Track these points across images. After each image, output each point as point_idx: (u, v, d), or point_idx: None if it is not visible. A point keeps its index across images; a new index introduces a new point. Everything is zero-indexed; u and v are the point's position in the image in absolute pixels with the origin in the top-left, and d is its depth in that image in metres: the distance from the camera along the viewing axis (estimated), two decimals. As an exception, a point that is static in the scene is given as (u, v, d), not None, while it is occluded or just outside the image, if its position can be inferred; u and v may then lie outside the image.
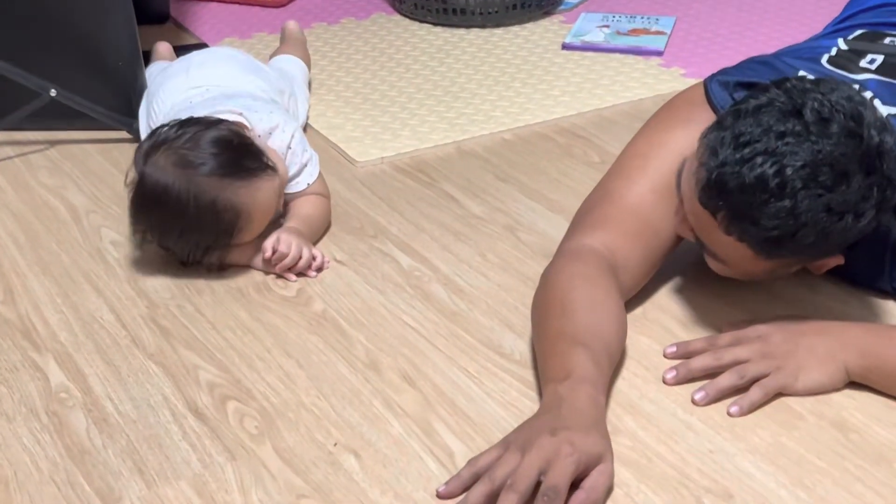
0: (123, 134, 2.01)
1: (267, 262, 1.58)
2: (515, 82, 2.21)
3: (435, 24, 2.51)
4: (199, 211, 1.52)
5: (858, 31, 1.59)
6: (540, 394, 1.28)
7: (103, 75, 1.99)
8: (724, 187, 1.24)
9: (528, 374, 1.36)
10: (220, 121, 1.61)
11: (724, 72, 1.49)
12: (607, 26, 2.44)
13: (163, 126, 1.59)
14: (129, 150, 1.94)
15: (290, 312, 1.51)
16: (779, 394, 1.29)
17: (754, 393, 1.28)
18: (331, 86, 2.22)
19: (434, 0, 2.49)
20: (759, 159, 1.22)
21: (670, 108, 1.50)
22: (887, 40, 1.54)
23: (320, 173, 1.73)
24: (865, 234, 1.27)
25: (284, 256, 1.56)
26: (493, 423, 1.28)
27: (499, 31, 2.47)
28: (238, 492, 1.20)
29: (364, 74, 2.27)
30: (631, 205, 1.42)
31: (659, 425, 1.27)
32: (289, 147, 1.68)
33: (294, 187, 1.69)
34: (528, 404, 1.30)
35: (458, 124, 2.03)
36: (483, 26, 2.48)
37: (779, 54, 1.57)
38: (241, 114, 1.67)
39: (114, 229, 1.72)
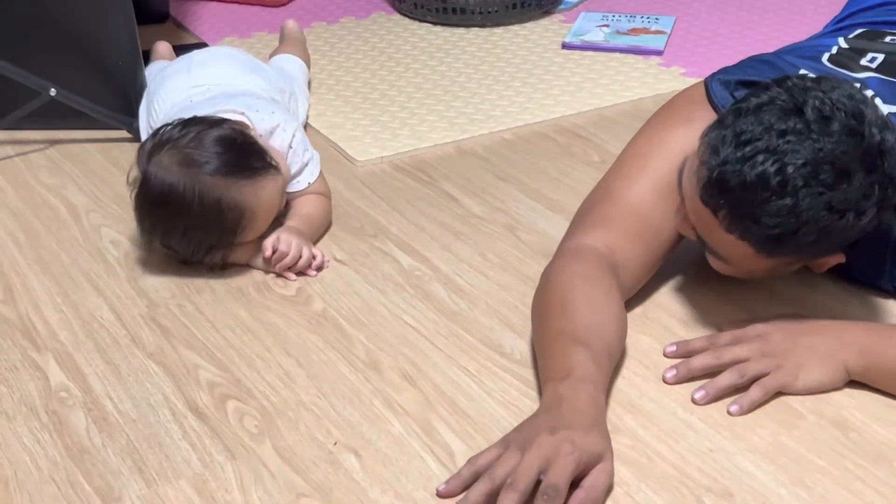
0: (123, 133, 2.01)
1: (267, 261, 1.58)
2: (515, 82, 2.21)
3: (435, 24, 2.51)
4: (204, 210, 1.52)
5: (858, 30, 1.59)
6: (540, 393, 1.28)
7: (103, 75, 1.99)
8: (725, 185, 1.24)
9: (529, 374, 1.36)
10: (224, 120, 1.61)
11: (724, 71, 1.49)
12: (607, 26, 2.44)
13: (165, 125, 1.59)
14: (129, 150, 1.95)
15: (290, 312, 1.51)
16: (779, 393, 1.29)
17: (754, 392, 1.28)
18: (330, 85, 2.22)
19: (434, 0, 2.49)
20: (760, 157, 1.22)
21: (671, 108, 1.50)
22: (888, 39, 1.54)
23: (321, 172, 1.73)
24: (866, 232, 1.27)
25: (284, 255, 1.56)
26: (493, 422, 1.28)
27: (498, 30, 2.47)
28: (238, 491, 1.20)
29: (364, 74, 2.27)
30: (631, 204, 1.42)
31: (659, 424, 1.27)
32: (290, 146, 1.68)
33: (295, 186, 1.69)
34: (528, 403, 1.30)
35: (458, 123, 2.03)
36: (483, 25, 2.48)
37: (780, 53, 1.57)
38: (242, 113, 1.67)
39: (114, 228, 1.72)
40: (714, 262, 1.37)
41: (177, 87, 1.82)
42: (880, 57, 1.49)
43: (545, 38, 2.42)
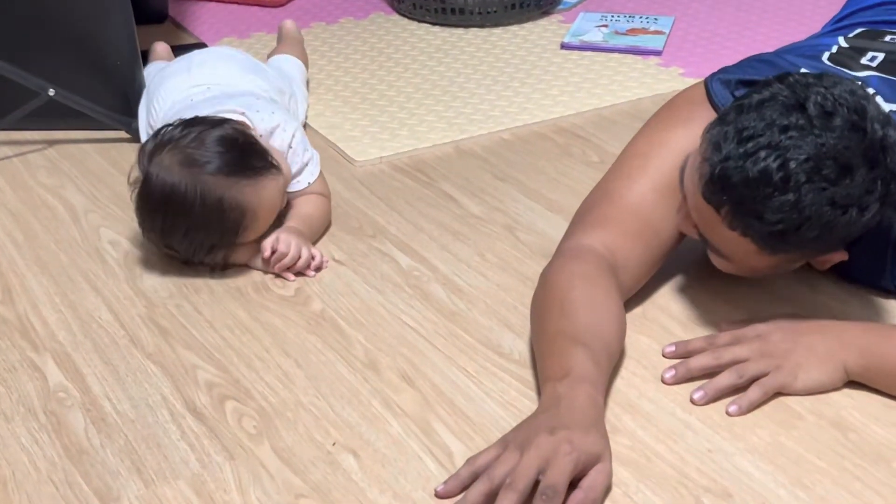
0: (122, 134, 2.01)
1: (266, 261, 1.58)
2: (514, 82, 2.20)
3: (433, 24, 2.51)
4: (206, 209, 1.52)
5: (858, 30, 1.59)
6: (539, 393, 1.28)
7: (102, 75, 1.99)
8: (727, 182, 1.24)
9: (527, 374, 1.36)
10: (225, 120, 1.61)
11: (724, 70, 1.49)
12: (606, 26, 2.43)
13: (166, 126, 1.59)
14: (127, 150, 1.95)
15: (289, 312, 1.51)
16: (778, 393, 1.29)
17: (753, 392, 1.28)
18: (329, 85, 2.22)
19: (432, 0, 2.49)
20: (762, 153, 1.22)
21: (671, 108, 1.50)
22: (887, 38, 1.54)
23: (321, 173, 1.73)
24: (869, 228, 1.26)
25: (283, 256, 1.56)
26: (491, 422, 1.28)
27: (497, 30, 2.47)
28: (236, 491, 1.19)
29: (362, 74, 2.27)
30: (631, 204, 1.42)
31: (658, 425, 1.27)
32: (290, 146, 1.68)
33: (294, 186, 1.69)
34: (527, 404, 1.30)
35: (457, 124, 2.03)
36: (482, 26, 2.48)
37: (780, 52, 1.57)
38: (243, 113, 1.67)
39: (112, 229, 1.72)
40: (716, 261, 1.37)
41: (177, 87, 1.82)
42: (880, 56, 1.49)
43: (544, 39, 2.42)
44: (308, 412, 1.31)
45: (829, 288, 1.49)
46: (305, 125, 2.03)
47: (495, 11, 2.48)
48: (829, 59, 1.50)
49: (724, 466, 1.20)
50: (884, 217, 1.27)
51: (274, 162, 1.59)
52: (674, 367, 1.33)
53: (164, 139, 1.56)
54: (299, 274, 1.59)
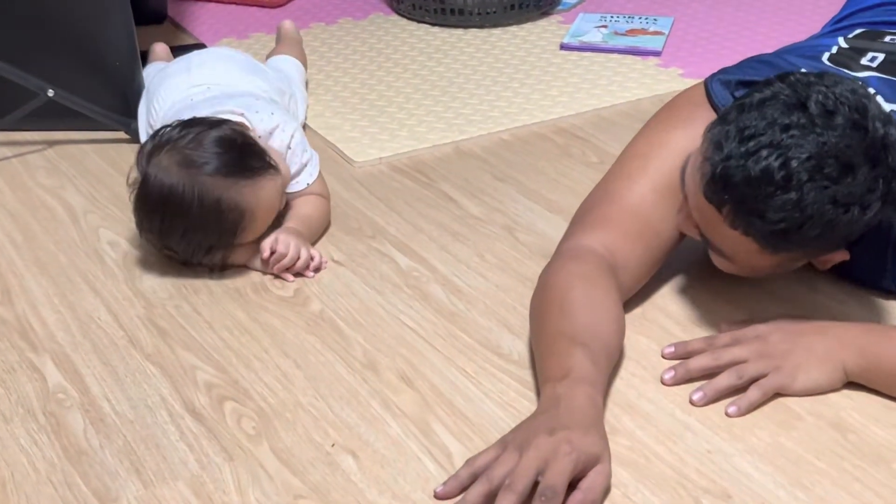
0: (121, 134, 2.01)
1: (265, 262, 1.58)
2: (513, 82, 2.20)
3: (433, 25, 2.51)
4: (204, 210, 1.52)
5: (858, 30, 1.59)
6: (538, 394, 1.28)
7: (101, 75, 1.98)
8: (729, 181, 1.24)
9: (527, 375, 1.36)
10: (224, 121, 1.61)
11: (724, 71, 1.49)
12: (605, 26, 2.43)
13: (165, 127, 1.59)
14: (126, 151, 1.95)
15: (288, 313, 1.51)
16: (777, 394, 1.29)
17: (753, 393, 1.28)
18: (329, 86, 2.22)
19: (432, 0, 2.49)
20: (764, 152, 1.22)
21: (671, 108, 1.50)
22: (887, 38, 1.54)
23: (320, 173, 1.73)
24: (871, 227, 1.26)
25: (283, 257, 1.56)
26: (491, 423, 1.28)
27: (497, 31, 2.47)
28: (235, 492, 1.19)
29: (362, 75, 2.27)
30: (631, 205, 1.42)
31: (657, 425, 1.27)
32: (289, 147, 1.68)
33: (293, 187, 1.69)
34: (527, 404, 1.30)
35: (456, 124, 2.03)
36: (481, 26, 2.48)
37: (779, 53, 1.57)
38: (242, 114, 1.67)
39: (111, 230, 1.72)
40: (717, 261, 1.37)
41: (177, 87, 1.82)
42: (880, 56, 1.49)
43: (543, 39, 2.42)
44: (307, 413, 1.31)
45: (828, 288, 1.49)
46: (305, 126, 2.03)
47: (494, 12, 2.48)
48: (829, 59, 1.50)
49: (723, 467, 1.20)
50: (885, 216, 1.27)
51: (272, 162, 1.59)
52: (673, 367, 1.33)
53: (163, 140, 1.56)
54: (298, 275, 1.59)
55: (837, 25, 1.68)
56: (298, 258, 1.57)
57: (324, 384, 1.36)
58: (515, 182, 1.83)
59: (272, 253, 1.56)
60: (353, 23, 2.57)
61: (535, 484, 1.10)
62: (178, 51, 2.17)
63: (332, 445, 1.26)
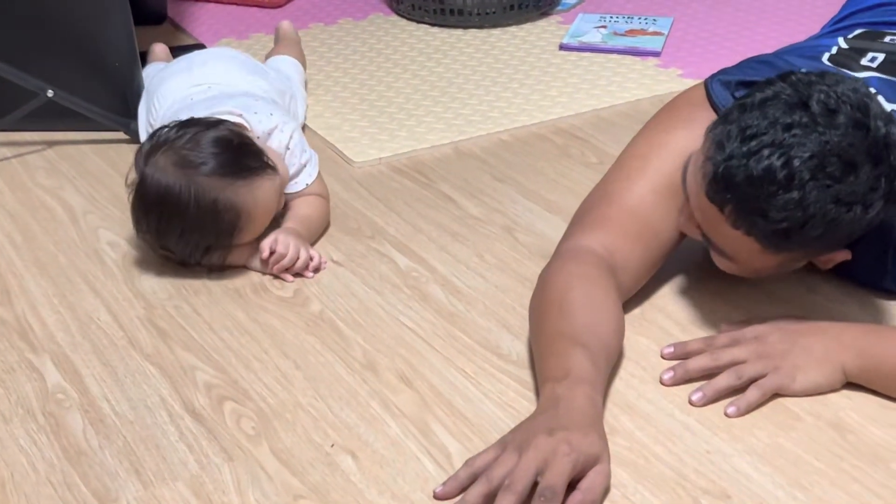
0: (120, 135, 2.01)
1: (264, 262, 1.58)
2: (513, 83, 2.20)
3: (432, 25, 2.51)
4: (200, 211, 1.52)
5: (858, 31, 1.59)
6: (537, 394, 1.28)
7: (101, 76, 1.98)
8: (731, 181, 1.24)
9: (526, 375, 1.36)
10: (221, 121, 1.61)
11: (724, 71, 1.49)
12: (604, 27, 2.43)
13: (163, 127, 1.60)
14: (126, 151, 1.95)
15: (288, 313, 1.51)
16: (776, 394, 1.29)
17: (752, 394, 1.28)
18: (328, 86, 2.22)
19: (431, 1, 2.49)
20: (766, 151, 1.22)
21: (671, 109, 1.50)
22: (887, 39, 1.54)
23: (319, 174, 1.73)
24: (873, 226, 1.26)
25: (282, 257, 1.56)
26: (490, 423, 1.28)
27: (496, 31, 2.47)
28: (235, 493, 1.19)
29: (361, 75, 2.27)
30: (631, 206, 1.42)
31: (656, 426, 1.27)
32: (287, 147, 1.68)
33: (293, 187, 1.69)
34: (526, 405, 1.30)
35: (456, 125, 2.03)
36: (480, 27, 2.48)
37: (779, 53, 1.57)
38: (240, 115, 1.67)
39: (111, 230, 1.72)
40: (719, 261, 1.37)
41: (178, 86, 1.83)
42: (881, 56, 1.49)
43: (543, 40, 2.42)
44: (307, 413, 1.31)
45: (827, 289, 1.50)
46: (304, 126, 2.03)
47: (494, 12, 2.48)
48: (829, 59, 1.50)
49: (722, 468, 1.20)
50: (887, 215, 1.27)
51: (270, 162, 1.59)
52: (672, 368, 1.33)
53: (160, 140, 1.56)
54: (298, 275, 1.59)
55: (837, 26, 1.68)
56: (298, 258, 1.57)
57: (323, 385, 1.36)
58: (515, 182, 1.83)
59: (271, 253, 1.56)
60: (353, 23, 2.57)
61: (535, 484, 1.10)
62: (177, 51, 2.18)
63: (332, 446, 1.26)
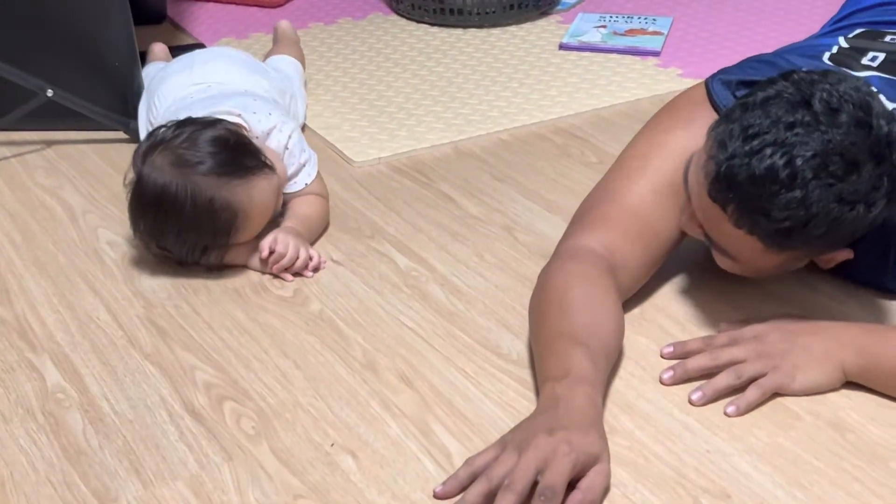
0: (120, 134, 2.01)
1: (264, 261, 1.58)
2: (512, 82, 2.20)
3: (432, 25, 2.51)
4: (197, 210, 1.52)
5: (858, 30, 1.59)
6: (537, 393, 1.28)
7: (100, 75, 1.98)
8: (733, 180, 1.24)
9: (526, 375, 1.36)
10: (218, 120, 1.61)
11: (725, 71, 1.49)
12: (604, 26, 2.44)
13: (160, 127, 1.60)
14: (125, 151, 1.95)
15: (287, 313, 1.51)
16: (775, 394, 1.29)
17: (751, 393, 1.28)
18: (328, 86, 2.22)
19: (431, 0, 2.49)
20: (768, 150, 1.22)
21: (671, 109, 1.50)
22: (888, 38, 1.54)
23: (318, 173, 1.73)
24: (876, 225, 1.26)
25: (282, 256, 1.56)
26: (490, 423, 1.28)
27: (496, 31, 2.47)
28: (235, 492, 1.19)
29: (361, 74, 2.27)
30: (631, 205, 1.42)
31: (656, 425, 1.27)
32: (286, 147, 1.68)
33: (292, 187, 1.69)
34: (526, 404, 1.30)
35: (456, 124, 2.03)
36: (480, 26, 2.48)
37: (780, 53, 1.56)
38: (239, 115, 1.67)
39: (110, 230, 1.72)
40: (721, 261, 1.37)
41: (179, 84, 1.83)
42: (881, 56, 1.49)
43: (542, 39, 2.42)
44: (306, 413, 1.31)
45: (827, 289, 1.50)
46: (304, 126, 2.03)
47: (494, 12, 2.48)
48: (829, 59, 1.50)
49: (722, 467, 1.20)
50: (890, 214, 1.26)
51: (267, 162, 1.59)
52: (672, 367, 1.33)
53: (157, 140, 1.56)
54: (297, 274, 1.59)
55: (837, 25, 1.68)
56: (297, 258, 1.57)
57: (323, 384, 1.36)
58: (514, 182, 1.83)
59: (271, 252, 1.56)
60: (353, 23, 2.57)
61: (535, 484, 1.10)
62: (176, 51, 2.18)
63: (332, 445, 1.26)
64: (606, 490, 1.16)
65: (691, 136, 1.38)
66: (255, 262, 1.60)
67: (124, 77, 1.99)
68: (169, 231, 1.55)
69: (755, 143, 1.23)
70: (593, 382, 1.22)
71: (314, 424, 1.29)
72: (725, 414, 1.27)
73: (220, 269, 1.60)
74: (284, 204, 1.68)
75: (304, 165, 1.70)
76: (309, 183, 1.70)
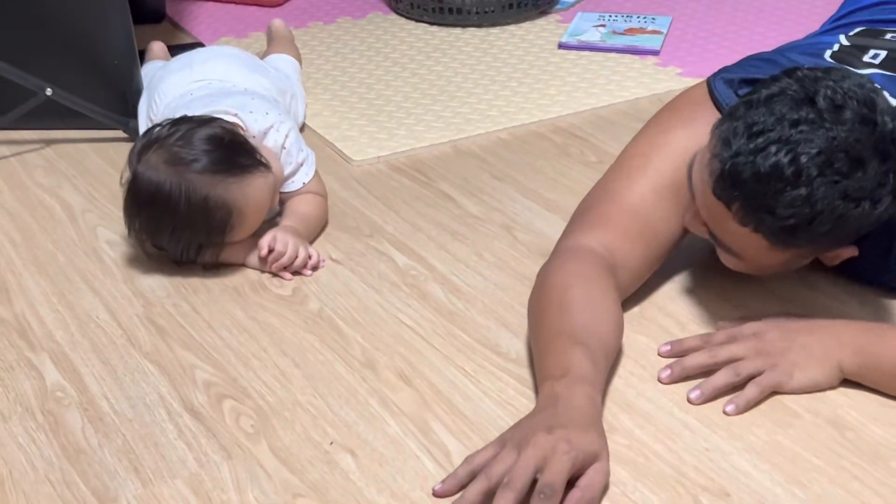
0: (119, 133, 2.01)
1: (263, 260, 1.58)
2: (512, 81, 2.20)
3: (431, 24, 2.51)
4: (191, 208, 1.52)
5: (858, 28, 1.59)
6: (536, 392, 1.28)
7: (99, 74, 1.98)
8: (738, 177, 1.24)
9: (525, 373, 1.36)
10: (213, 118, 1.61)
11: (726, 69, 1.49)
12: (603, 26, 2.43)
13: (156, 125, 1.60)
14: (124, 150, 1.94)
15: (287, 311, 1.51)
16: (775, 392, 1.29)
17: (750, 391, 1.28)
18: (327, 85, 2.22)
19: (430, 0, 2.49)
20: (773, 148, 1.22)
21: (673, 108, 1.50)
22: (888, 36, 1.54)
23: (316, 172, 1.73)
24: (881, 222, 1.26)
25: (281, 255, 1.56)
26: (489, 421, 1.28)
27: (495, 30, 2.47)
28: (234, 491, 1.19)
29: (360, 74, 2.27)
30: (631, 205, 1.42)
31: (655, 424, 1.27)
32: (283, 147, 1.67)
33: (290, 186, 1.69)
34: (525, 403, 1.30)
35: (455, 123, 2.03)
36: (479, 25, 2.48)
37: (781, 51, 1.56)
38: (236, 114, 1.67)
39: (110, 229, 1.72)
40: (726, 259, 1.36)
41: (179, 82, 1.83)
42: (883, 53, 1.48)
43: (542, 38, 2.42)
44: (306, 411, 1.31)
45: (828, 288, 1.49)
46: (303, 125, 2.03)
47: (493, 11, 2.48)
48: (830, 56, 1.50)
49: (721, 465, 1.20)
50: (894, 211, 1.26)
51: (262, 160, 1.58)
52: (669, 366, 1.33)
53: (153, 138, 1.56)
54: (296, 273, 1.59)
55: (836, 24, 1.67)
56: (296, 257, 1.57)
57: (322, 383, 1.36)
58: (514, 181, 1.83)
59: (270, 251, 1.56)
60: (352, 22, 2.57)
61: (534, 482, 1.10)
62: (175, 50, 2.18)
63: (331, 444, 1.26)
64: (605, 488, 1.16)
65: (692, 135, 1.38)
66: (253, 260, 1.60)
67: (123, 76, 1.99)
68: (164, 229, 1.55)
69: (760, 140, 1.22)
70: (592, 382, 1.22)
71: (313, 423, 1.29)
72: (724, 413, 1.27)
73: (217, 267, 1.60)
74: (282, 203, 1.68)
75: (301, 164, 1.70)
76: (307, 182, 1.70)
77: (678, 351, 1.36)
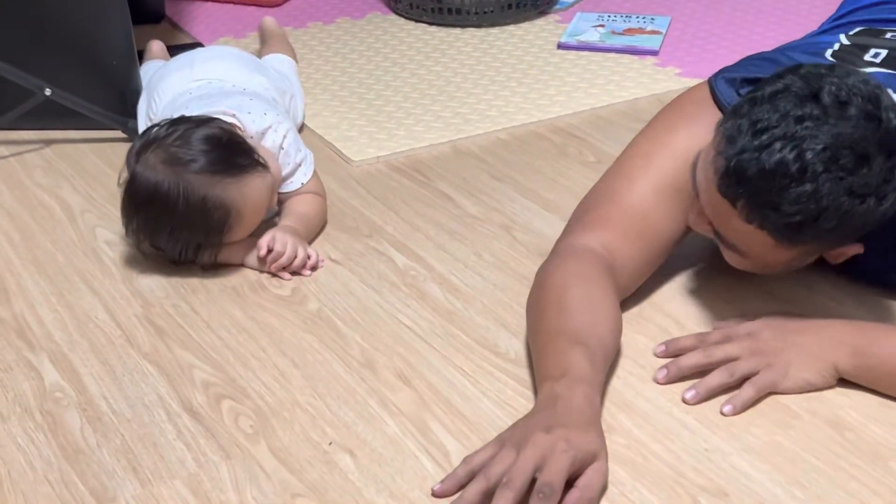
0: (118, 133, 2.00)
1: (262, 260, 1.58)
2: (511, 82, 2.20)
3: (430, 24, 2.51)
4: (189, 208, 1.52)
5: (857, 28, 1.59)
6: (535, 392, 1.28)
7: (98, 74, 1.98)
8: (743, 175, 1.23)
9: (524, 373, 1.36)
10: (211, 118, 1.60)
11: (727, 69, 1.48)
12: (602, 26, 2.43)
13: (154, 125, 1.60)
14: (123, 150, 1.93)
15: (286, 311, 1.51)
16: (773, 392, 1.29)
17: (746, 391, 1.27)
18: (326, 85, 2.22)
19: (429, 0, 2.49)
20: (777, 144, 1.21)
21: (674, 108, 1.49)
22: (888, 35, 1.54)
23: (315, 172, 1.73)
24: (887, 218, 1.26)
25: (280, 255, 1.56)
26: (488, 421, 1.28)
27: (494, 30, 2.47)
28: (233, 491, 1.19)
29: (359, 74, 2.27)
30: (632, 205, 1.42)
31: (654, 424, 1.27)
32: (281, 147, 1.67)
33: (288, 186, 1.69)
34: (524, 403, 1.30)
35: (454, 124, 2.03)
36: (478, 26, 2.48)
37: (781, 50, 1.56)
38: (234, 115, 1.67)
39: (109, 229, 1.72)
40: (730, 257, 1.36)
41: (179, 81, 1.83)
42: (883, 52, 1.48)
43: (541, 39, 2.42)
44: (304, 412, 1.31)
45: (827, 288, 1.49)
46: (303, 125, 2.03)
47: (492, 11, 2.48)
48: (831, 56, 1.49)
49: (720, 465, 1.20)
50: None
51: (260, 160, 1.58)
52: (665, 366, 1.33)
53: (150, 138, 1.56)
54: (295, 273, 1.59)
55: (836, 23, 1.67)
56: (296, 257, 1.57)
57: (321, 383, 1.36)
58: (513, 181, 1.83)
59: (269, 251, 1.56)
60: (351, 22, 2.57)
61: (533, 482, 1.10)
62: (174, 50, 2.18)
63: (330, 444, 1.26)
64: (604, 488, 1.16)
65: (694, 135, 1.38)
66: (252, 260, 1.60)
67: (122, 76, 1.99)
68: (162, 230, 1.55)
69: (764, 137, 1.22)
70: (591, 382, 1.22)
71: (312, 423, 1.29)
72: (722, 413, 1.27)
73: (215, 268, 1.60)
74: (280, 203, 1.68)
75: (300, 165, 1.70)
76: (305, 182, 1.70)
77: (673, 350, 1.36)
